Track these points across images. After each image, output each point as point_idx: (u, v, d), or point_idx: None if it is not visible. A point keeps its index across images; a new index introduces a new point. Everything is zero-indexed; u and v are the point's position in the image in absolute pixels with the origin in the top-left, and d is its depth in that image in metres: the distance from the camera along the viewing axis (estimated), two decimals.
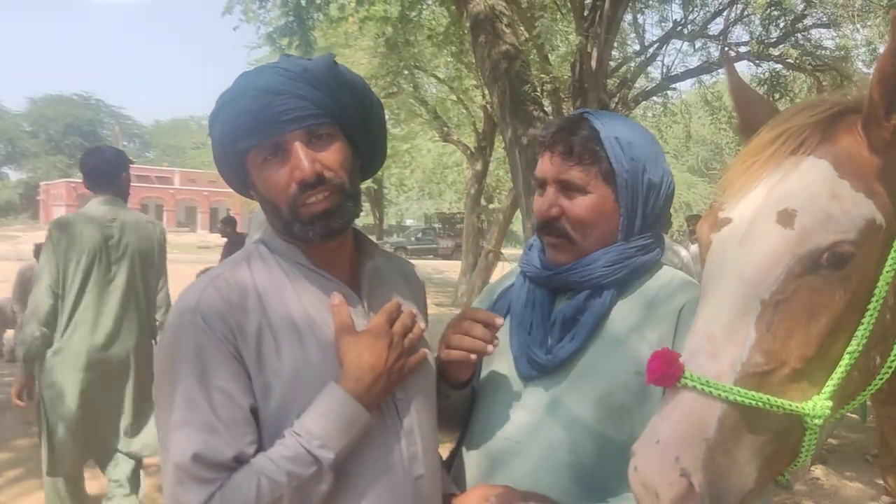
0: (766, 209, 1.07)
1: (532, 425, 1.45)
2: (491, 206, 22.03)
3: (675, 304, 1.46)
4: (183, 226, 56.46)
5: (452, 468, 1.59)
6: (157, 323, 3.83)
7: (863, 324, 1.05)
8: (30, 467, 5.03)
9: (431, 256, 34.54)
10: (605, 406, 1.41)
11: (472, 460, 1.53)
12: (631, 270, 1.49)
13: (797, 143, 1.09)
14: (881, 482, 5.21)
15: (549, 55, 9.07)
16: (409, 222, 52.89)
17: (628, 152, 1.48)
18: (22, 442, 5.57)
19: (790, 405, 1.01)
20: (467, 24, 7.62)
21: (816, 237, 1.02)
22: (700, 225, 1.19)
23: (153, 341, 3.77)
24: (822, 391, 1.04)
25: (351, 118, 1.36)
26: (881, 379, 1.12)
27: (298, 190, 1.28)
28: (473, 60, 9.80)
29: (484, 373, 1.57)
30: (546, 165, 1.54)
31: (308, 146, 1.29)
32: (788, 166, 1.08)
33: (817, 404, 1.03)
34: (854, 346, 1.04)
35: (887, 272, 1.05)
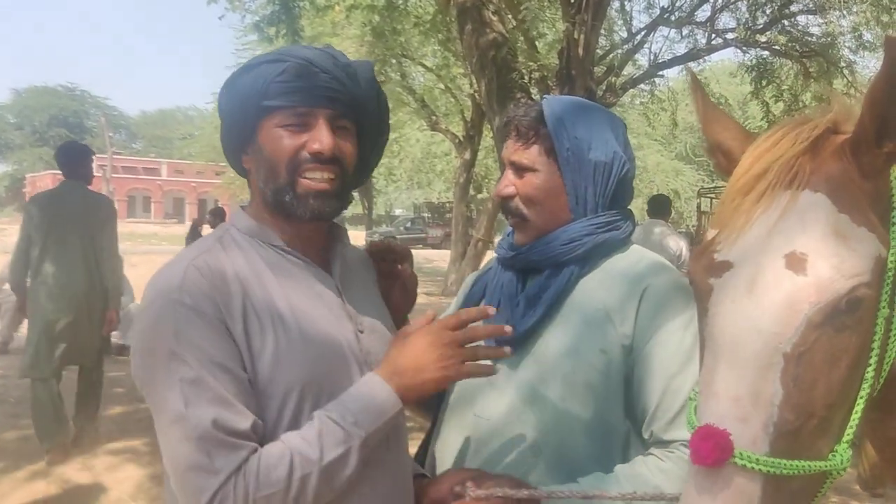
0: (772, 253, 1.01)
1: (501, 403, 1.49)
2: (480, 195, 22.01)
3: (640, 285, 1.47)
4: (171, 217, 56.15)
5: (429, 447, 1.63)
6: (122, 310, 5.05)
7: (870, 363, 1.03)
8: (17, 460, 5.01)
9: (421, 246, 34.47)
10: (570, 384, 1.44)
11: (445, 439, 1.57)
12: (592, 247, 1.51)
13: (790, 176, 1.04)
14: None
15: (537, 43, 9.05)
16: (398, 212, 52.83)
17: (571, 130, 1.52)
18: (9, 435, 5.55)
19: (825, 466, 0.99)
20: (454, 13, 7.59)
21: (834, 284, 0.97)
22: (693, 266, 1.12)
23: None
24: (843, 440, 1.02)
25: (368, 126, 1.42)
26: (875, 392, 1.10)
27: (310, 159, 1.30)
28: (461, 49, 9.77)
29: None
30: (505, 150, 1.60)
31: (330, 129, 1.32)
32: (785, 203, 1.03)
33: (843, 457, 1.00)
34: (866, 388, 1.03)
35: (883, 303, 1.03)
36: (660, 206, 7.35)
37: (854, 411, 1.03)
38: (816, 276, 0.97)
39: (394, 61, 14.61)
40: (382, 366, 1.32)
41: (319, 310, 1.35)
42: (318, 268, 1.39)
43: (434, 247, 34.51)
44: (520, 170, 1.55)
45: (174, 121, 79.02)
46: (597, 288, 1.50)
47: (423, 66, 15.09)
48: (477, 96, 12.99)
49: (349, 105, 1.34)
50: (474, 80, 10.08)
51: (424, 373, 1.29)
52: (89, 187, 5.27)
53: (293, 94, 1.29)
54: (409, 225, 39.70)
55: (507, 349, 1.36)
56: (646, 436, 1.44)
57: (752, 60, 10.53)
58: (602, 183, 1.54)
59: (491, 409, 1.49)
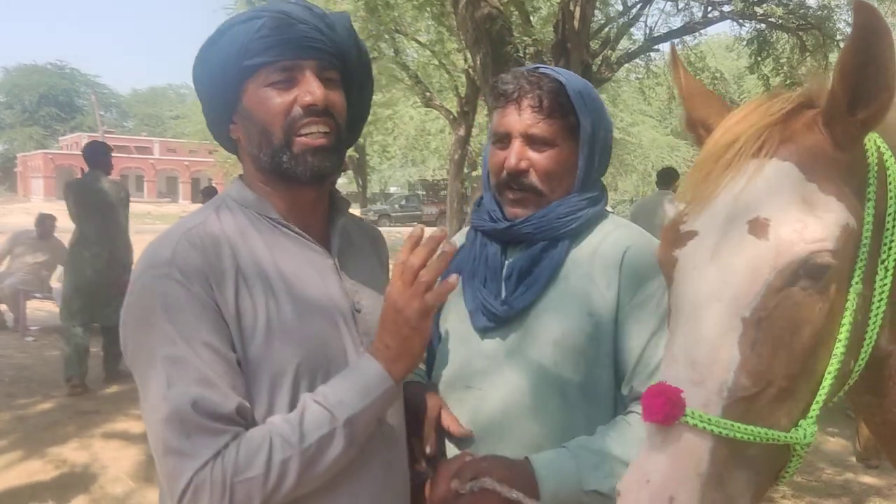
0: (735, 219, 1.00)
1: (492, 372, 1.49)
2: (474, 172, 21.92)
3: (618, 249, 1.50)
4: (164, 196, 55.86)
5: None
6: None
7: (840, 338, 1.01)
8: (13, 439, 5.00)
9: (415, 223, 34.34)
10: (560, 348, 1.45)
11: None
12: (584, 220, 1.53)
13: (757, 145, 1.03)
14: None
15: (532, 17, 8.95)
16: (392, 190, 52.61)
17: (590, 106, 1.53)
18: (5, 415, 5.54)
19: (784, 437, 0.98)
20: None
21: (794, 247, 0.97)
22: (661, 247, 1.11)
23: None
24: (809, 415, 1.00)
25: (353, 75, 1.36)
26: (852, 380, 1.09)
27: (303, 114, 1.25)
28: (455, 23, 9.66)
29: (440, 329, 1.59)
30: (512, 118, 1.52)
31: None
32: (751, 171, 1.02)
33: (807, 431, 1.00)
34: (835, 364, 1.01)
35: (857, 276, 1.02)
36: (669, 178, 7.90)
37: (822, 386, 1.01)
38: (777, 240, 0.97)
39: (387, 37, 14.45)
40: (372, 344, 1.29)
41: (314, 287, 1.30)
42: (314, 242, 1.34)
43: (429, 224, 34.40)
44: (537, 143, 1.51)
45: (166, 99, 78.43)
46: (582, 258, 1.51)
47: (417, 41, 14.93)
48: (471, 71, 12.87)
49: (333, 54, 1.29)
50: (468, 56, 9.98)
51: (401, 334, 1.25)
52: (109, 175, 6.70)
53: (275, 48, 1.23)
54: (403, 203, 39.63)
55: (451, 247, 1.32)
56: (625, 391, 1.47)
57: (749, 33, 10.45)
58: (603, 161, 1.59)
59: (486, 380, 1.49)
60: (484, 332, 1.51)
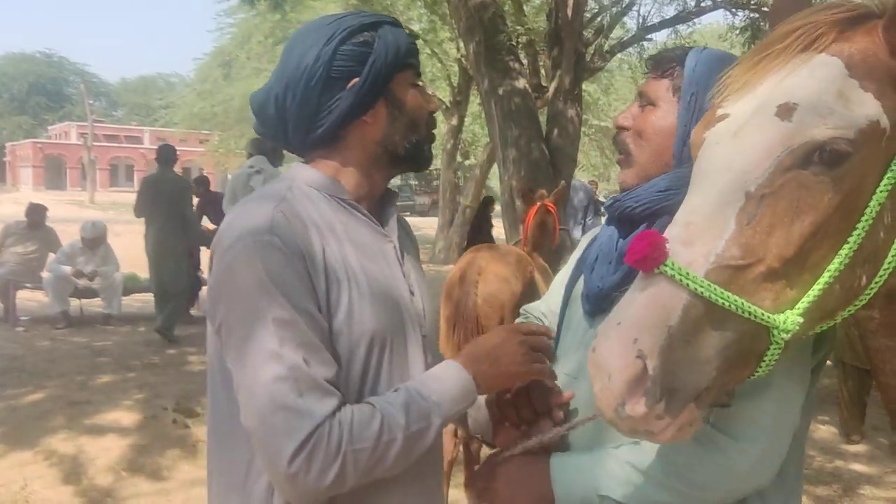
0: (767, 104, 1.02)
1: (584, 360, 1.45)
2: (467, 161, 21.89)
3: None
4: None
5: None
6: None
7: (849, 241, 1.01)
8: (4, 430, 4.98)
9: (408, 213, 34.38)
10: None
11: None
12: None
13: (810, 39, 1.04)
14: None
15: (524, 5, 8.91)
16: None
17: (705, 78, 1.39)
18: None
19: (761, 314, 0.98)
20: None
21: (812, 130, 0.97)
22: (696, 128, 1.14)
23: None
24: (797, 306, 1.00)
25: None
26: (861, 301, 1.08)
27: (432, 116, 1.47)
28: (448, 12, 9.61)
29: (563, 321, 1.61)
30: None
31: None
32: (798, 63, 1.02)
33: (788, 318, 0.99)
34: (837, 263, 1.00)
35: (884, 186, 1.01)
36: None
37: (818, 282, 1.01)
38: (799, 123, 0.98)
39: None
40: (461, 356, 1.36)
41: (383, 268, 1.38)
42: (380, 227, 1.43)
43: (421, 214, 34.46)
44: (643, 101, 1.48)
45: (155, 88, 77.72)
46: None
47: (409, 30, 14.85)
48: (464, 60, 12.83)
49: None
50: (461, 45, 9.94)
51: (499, 364, 1.35)
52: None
53: (415, 56, 1.44)
54: (396, 192, 39.55)
55: (569, 393, 1.43)
56: None
57: (742, 22, 10.43)
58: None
59: (577, 367, 1.47)
60: (590, 316, 1.48)
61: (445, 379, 1.30)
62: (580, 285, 1.54)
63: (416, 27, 14.46)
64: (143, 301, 10.04)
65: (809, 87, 1.00)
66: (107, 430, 5.01)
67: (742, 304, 0.96)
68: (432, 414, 1.25)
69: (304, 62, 1.33)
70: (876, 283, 1.06)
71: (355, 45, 1.34)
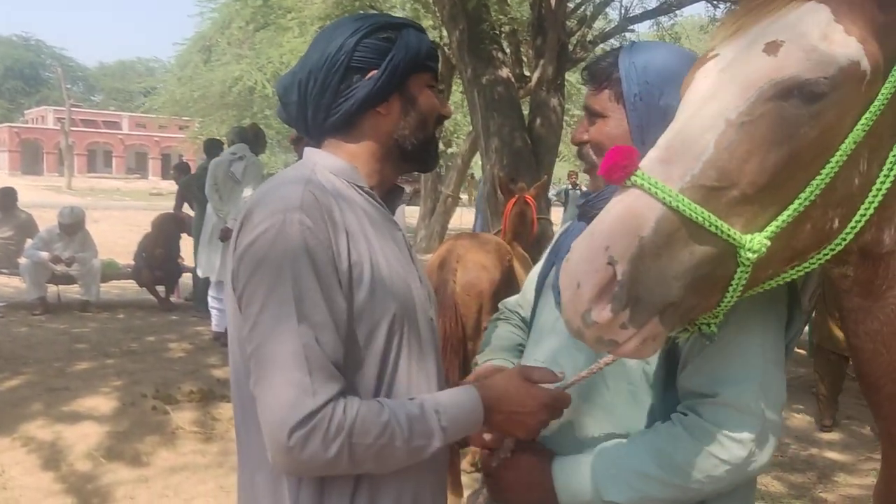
0: (755, 42, 1.07)
1: (557, 350, 1.49)
2: (449, 150, 21.84)
3: None
4: (133, 172, 54.90)
5: None
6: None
7: (822, 172, 1.05)
8: None
9: None
10: None
11: None
12: None
13: None
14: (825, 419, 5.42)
15: None
16: None
17: (642, 75, 1.44)
18: None
19: (727, 229, 1.01)
20: None
21: (796, 66, 1.02)
22: (688, 75, 1.19)
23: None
24: (766, 229, 1.04)
25: None
26: (834, 248, 1.13)
27: (441, 118, 1.51)
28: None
29: (536, 310, 1.63)
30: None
31: None
32: (788, 10, 1.08)
33: (755, 238, 1.03)
34: (808, 192, 1.05)
35: (861, 126, 1.05)
36: None
37: (787, 209, 1.05)
38: (784, 58, 1.03)
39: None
40: (487, 389, 1.38)
41: (397, 254, 1.44)
42: (392, 216, 1.49)
43: (404, 203, 34.38)
44: (592, 115, 1.52)
45: (134, 73, 76.59)
46: None
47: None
48: (447, 49, 12.78)
49: None
50: (444, 33, 9.89)
51: (512, 423, 1.38)
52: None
53: (433, 60, 1.48)
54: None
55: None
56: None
57: (724, 14, 10.47)
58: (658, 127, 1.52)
59: (549, 356, 1.50)
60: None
61: (461, 406, 1.34)
62: (553, 275, 1.57)
63: (399, 14, 14.39)
64: (122, 288, 9.95)
65: (796, 28, 1.05)
66: (85, 416, 4.97)
67: (712, 218, 1.01)
68: (435, 437, 1.28)
69: (328, 50, 1.39)
70: (848, 232, 1.11)
71: (378, 40, 1.41)
